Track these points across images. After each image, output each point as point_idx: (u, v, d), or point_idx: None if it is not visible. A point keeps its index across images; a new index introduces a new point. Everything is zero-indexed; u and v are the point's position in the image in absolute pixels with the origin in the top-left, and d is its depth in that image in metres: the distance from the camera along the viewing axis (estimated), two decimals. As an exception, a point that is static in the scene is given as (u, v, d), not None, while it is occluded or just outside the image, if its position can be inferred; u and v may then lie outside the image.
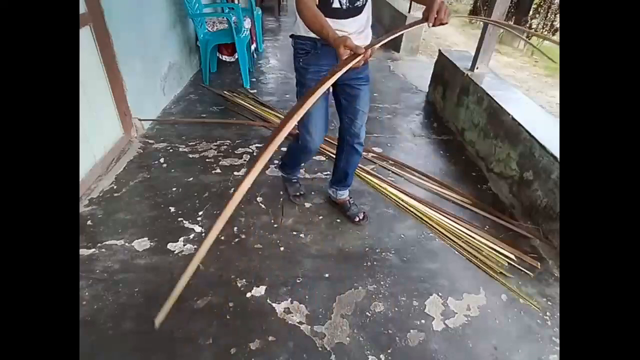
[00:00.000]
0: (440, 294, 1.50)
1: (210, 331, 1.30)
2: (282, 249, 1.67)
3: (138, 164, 2.21)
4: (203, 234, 1.71)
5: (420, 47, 4.91)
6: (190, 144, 2.42)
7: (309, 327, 1.34)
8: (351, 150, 1.69)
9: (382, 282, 1.54)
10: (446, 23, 1.12)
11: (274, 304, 1.42)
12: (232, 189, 2.03)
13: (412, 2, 4.68)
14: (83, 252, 1.58)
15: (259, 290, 1.47)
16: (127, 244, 1.64)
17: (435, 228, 1.83)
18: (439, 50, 3.23)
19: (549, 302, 1.50)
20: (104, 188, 1.96)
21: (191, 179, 2.09)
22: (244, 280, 1.51)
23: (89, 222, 1.74)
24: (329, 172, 2.23)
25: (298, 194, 1.96)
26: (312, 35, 1.29)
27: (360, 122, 1.61)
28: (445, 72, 3.03)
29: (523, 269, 1.63)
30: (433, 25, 1.13)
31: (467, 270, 1.63)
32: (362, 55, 1.01)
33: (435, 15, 1.10)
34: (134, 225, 1.74)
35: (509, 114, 2.08)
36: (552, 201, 1.72)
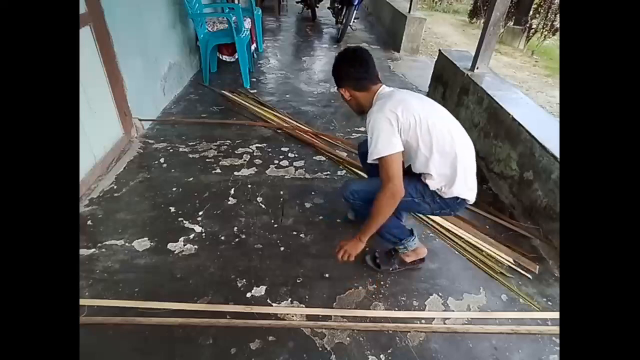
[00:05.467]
0: (440, 294, 1.50)
1: (210, 331, 1.30)
2: (282, 249, 1.67)
3: (138, 164, 2.21)
4: (203, 234, 1.72)
5: (420, 47, 4.91)
6: (190, 144, 2.42)
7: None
8: None
9: (382, 282, 1.54)
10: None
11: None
12: (233, 189, 2.03)
13: (412, 2, 4.68)
14: (83, 252, 1.58)
15: (259, 290, 1.47)
16: (127, 244, 1.64)
17: (435, 228, 1.83)
18: (439, 50, 3.23)
19: (549, 302, 1.50)
20: (104, 188, 1.96)
21: (191, 179, 2.09)
22: (244, 280, 1.51)
23: (89, 222, 1.74)
24: (329, 172, 2.23)
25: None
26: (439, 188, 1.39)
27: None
28: (445, 72, 3.03)
29: (523, 270, 1.62)
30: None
31: (467, 270, 1.63)
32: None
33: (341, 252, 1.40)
34: (134, 225, 1.74)
35: (509, 114, 2.08)
36: (552, 201, 1.72)
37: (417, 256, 1.58)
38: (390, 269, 1.58)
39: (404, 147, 1.29)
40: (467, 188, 1.38)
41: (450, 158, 1.31)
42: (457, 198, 1.39)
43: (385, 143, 1.24)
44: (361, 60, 1.36)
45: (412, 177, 1.41)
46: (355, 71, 1.36)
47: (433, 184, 1.37)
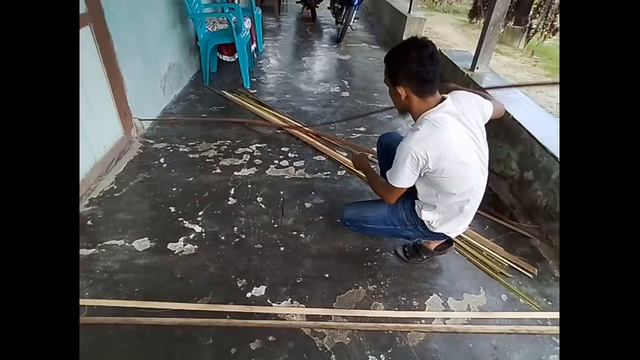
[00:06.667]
0: (440, 294, 1.50)
1: (210, 331, 1.30)
2: (282, 249, 1.67)
3: (138, 164, 2.21)
4: (203, 234, 1.72)
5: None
6: (190, 144, 2.42)
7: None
8: None
9: (382, 282, 1.54)
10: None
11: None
12: (233, 189, 2.03)
13: (412, 2, 4.68)
14: (83, 252, 1.58)
15: (259, 290, 1.47)
16: (127, 244, 1.64)
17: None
18: (439, 50, 3.23)
19: (549, 302, 1.50)
20: (104, 188, 1.96)
21: (191, 179, 2.09)
22: (244, 280, 1.51)
23: (89, 222, 1.74)
24: (329, 172, 2.23)
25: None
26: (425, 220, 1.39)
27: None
28: (445, 72, 3.03)
29: (523, 269, 1.62)
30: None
31: (467, 270, 1.63)
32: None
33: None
34: (134, 225, 1.74)
35: (509, 114, 2.07)
36: (552, 201, 1.72)
37: (438, 241, 1.58)
38: (419, 259, 1.61)
39: (421, 179, 1.28)
40: (457, 230, 1.41)
41: (459, 205, 1.30)
42: (441, 233, 1.40)
43: (403, 178, 1.22)
44: (433, 60, 1.12)
45: (402, 203, 1.42)
46: (423, 71, 1.12)
47: (427, 215, 1.36)
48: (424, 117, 1.19)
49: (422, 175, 1.24)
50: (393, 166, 1.23)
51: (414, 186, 1.38)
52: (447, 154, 1.16)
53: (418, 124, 1.20)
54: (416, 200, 1.40)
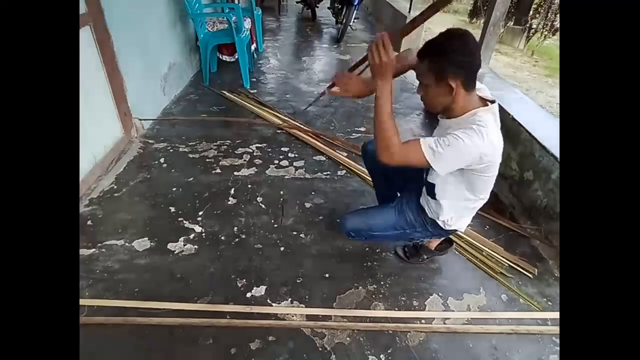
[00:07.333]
0: (440, 294, 1.50)
1: (210, 331, 1.30)
2: (282, 249, 1.67)
3: (138, 164, 2.21)
4: (203, 234, 1.72)
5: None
6: (190, 144, 2.42)
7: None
8: None
9: (382, 282, 1.54)
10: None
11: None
12: (233, 189, 2.03)
13: (412, 3, 4.69)
14: (83, 252, 1.58)
15: (259, 290, 1.47)
16: (127, 244, 1.64)
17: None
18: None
19: (549, 302, 1.50)
20: (104, 188, 1.96)
21: (191, 179, 2.09)
22: (244, 280, 1.51)
23: (89, 222, 1.74)
24: (329, 172, 2.23)
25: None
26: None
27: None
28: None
29: (523, 270, 1.62)
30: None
31: (467, 270, 1.63)
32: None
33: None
34: (134, 225, 1.74)
35: (509, 114, 2.07)
36: (552, 201, 1.72)
37: (439, 240, 1.57)
38: (419, 259, 1.61)
39: (456, 175, 1.19)
40: (464, 225, 1.39)
41: (474, 204, 1.29)
42: (454, 229, 1.38)
43: (448, 165, 1.08)
44: (479, 49, 1.07)
45: (406, 204, 1.41)
46: (474, 62, 1.04)
47: (444, 214, 1.30)
48: (477, 114, 1.07)
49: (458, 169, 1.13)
50: (442, 146, 1.04)
51: (415, 185, 1.36)
52: (496, 157, 1.11)
53: (472, 120, 1.06)
54: (429, 201, 1.33)
